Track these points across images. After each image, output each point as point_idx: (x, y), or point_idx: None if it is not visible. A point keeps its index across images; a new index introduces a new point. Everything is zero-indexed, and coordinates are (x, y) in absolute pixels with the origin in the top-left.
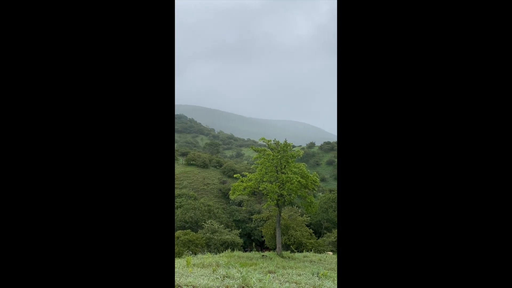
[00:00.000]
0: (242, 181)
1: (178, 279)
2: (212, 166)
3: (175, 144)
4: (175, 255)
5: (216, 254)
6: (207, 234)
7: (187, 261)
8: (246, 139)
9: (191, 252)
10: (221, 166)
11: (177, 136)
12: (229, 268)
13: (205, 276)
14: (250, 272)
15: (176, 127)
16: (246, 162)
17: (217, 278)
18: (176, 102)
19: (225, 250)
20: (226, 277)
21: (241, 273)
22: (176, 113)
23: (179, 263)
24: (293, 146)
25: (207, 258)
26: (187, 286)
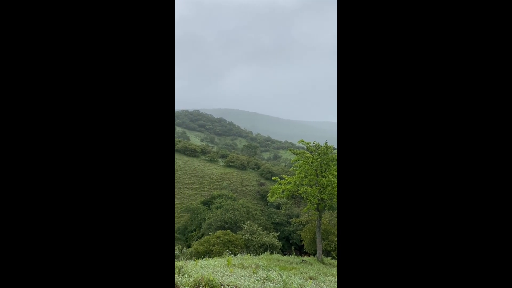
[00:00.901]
0: (280, 184)
1: (220, 278)
2: (250, 168)
3: (215, 147)
4: (215, 254)
5: (255, 255)
6: (246, 235)
7: (228, 261)
8: (283, 141)
9: (230, 252)
10: (258, 168)
11: (217, 139)
12: (268, 270)
13: (246, 277)
14: (291, 276)
15: (216, 130)
16: (283, 164)
17: (257, 280)
18: (216, 107)
19: (264, 252)
20: (267, 279)
21: (281, 277)
22: (216, 116)
23: (220, 262)
24: (334, 149)
25: (247, 259)
26: (229, 285)
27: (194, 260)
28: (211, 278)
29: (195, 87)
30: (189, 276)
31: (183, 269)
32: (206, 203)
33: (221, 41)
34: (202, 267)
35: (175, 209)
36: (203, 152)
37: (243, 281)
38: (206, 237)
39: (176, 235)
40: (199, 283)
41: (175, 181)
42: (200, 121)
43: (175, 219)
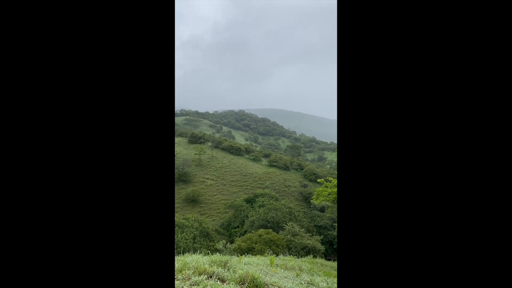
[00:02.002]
0: (326, 187)
1: (263, 277)
2: (293, 169)
3: (259, 146)
4: (257, 252)
5: (297, 257)
6: (288, 236)
7: (270, 261)
8: (329, 143)
9: (272, 251)
10: (302, 169)
11: (260, 138)
12: (312, 275)
13: (289, 279)
14: (336, 284)
15: (260, 129)
16: (329, 166)
17: (301, 283)
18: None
19: (307, 255)
20: (311, 284)
21: (327, 284)
22: (260, 116)
23: (262, 261)
24: None
25: (290, 260)
26: (273, 285)
27: (238, 256)
28: (256, 276)
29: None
30: (234, 272)
31: (228, 264)
32: (249, 201)
33: (267, 41)
34: (245, 264)
35: (220, 204)
36: (247, 151)
37: (286, 283)
38: (248, 234)
39: (220, 230)
40: (244, 280)
41: (221, 177)
42: (245, 121)
43: (220, 214)
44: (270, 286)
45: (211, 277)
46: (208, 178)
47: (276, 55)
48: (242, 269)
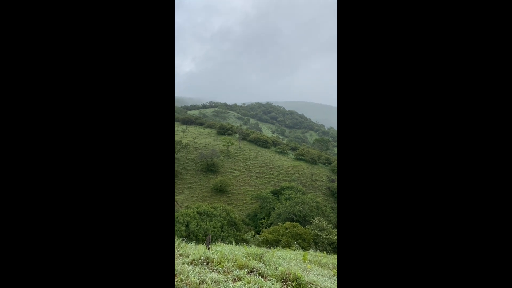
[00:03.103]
0: None
1: (301, 272)
2: (321, 163)
3: (286, 139)
4: (284, 245)
5: (329, 254)
6: (315, 231)
7: (303, 257)
8: None
9: (298, 245)
10: (330, 163)
11: (287, 131)
12: None
13: (326, 278)
14: None
15: (287, 122)
16: None
17: None
18: (288, 99)
19: (334, 251)
20: None
21: None
22: (288, 109)
23: (294, 255)
24: None
25: (323, 257)
26: (312, 284)
27: (270, 249)
28: (298, 275)
29: (269, 80)
30: (276, 268)
31: (263, 258)
32: (275, 193)
33: (297, 33)
34: (278, 258)
35: (247, 195)
36: (274, 143)
37: (325, 282)
38: (275, 226)
39: (246, 220)
40: (286, 277)
41: (248, 169)
42: (272, 113)
43: (246, 205)
44: (311, 285)
45: (251, 271)
46: (235, 169)
47: (305, 46)
48: (281, 265)
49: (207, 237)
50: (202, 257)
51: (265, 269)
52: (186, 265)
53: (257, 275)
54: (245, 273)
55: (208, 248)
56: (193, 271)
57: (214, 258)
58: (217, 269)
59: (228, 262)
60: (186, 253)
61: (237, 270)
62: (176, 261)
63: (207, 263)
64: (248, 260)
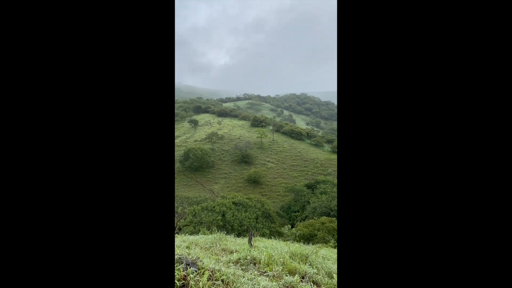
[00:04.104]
0: None
1: None
2: None
3: (321, 131)
4: (319, 240)
5: None
6: None
7: None
8: None
9: (334, 240)
10: None
11: (323, 123)
12: None
13: None
14: None
15: (322, 114)
16: None
17: None
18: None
19: None
20: None
21: None
22: (323, 100)
23: (332, 252)
24: None
25: None
26: None
27: (310, 246)
28: None
29: (304, 70)
30: (329, 276)
31: (309, 259)
32: (310, 187)
33: (334, 20)
34: (323, 258)
35: (281, 187)
36: (308, 136)
37: None
38: (310, 220)
39: (281, 212)
40: None
41: (282, 161)
42: (306, 104)
43: (280, 197)
44: None
45: (303, 277)
46: (269, 161)
47: None
48: (332, 270)
49: (250, 232)
50: (248, 257)
51: (319, 277)
52: (232, 265)
53: (311, 283)
54: (298, 280)
55: (251, 244)
56: (244, 277)
57: (261, 259)
58: (265, 272)
59: (276, 264)
60: (228, 248)
61: (288, 276)
62: (220, 258)
63: (254, 264)
64: (298, 263)
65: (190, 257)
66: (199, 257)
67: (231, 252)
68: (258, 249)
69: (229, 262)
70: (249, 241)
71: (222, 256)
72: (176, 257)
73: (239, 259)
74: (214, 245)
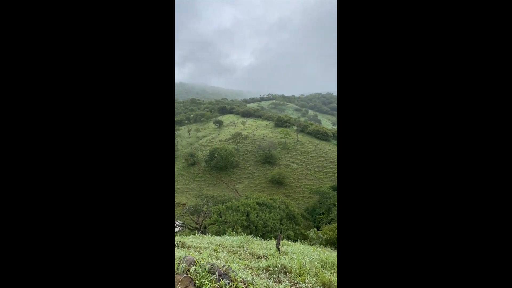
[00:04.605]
0: None
1: None
2: None
3: None
4: None
5: None
6: None
7: None
8: None
9: None
10: None
11: None
12: None
13: None
14: None
15: None
16: None
17: None
18: None
19: None
20: None
21: None
22: None
23: None
24: None
25: None
26: None
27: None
28: None
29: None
30: None
31: None
32: (336, 189)
33: None
34: None
35: (305, 189)
36: (335, 136)
37: None
38: (336, 223)
39: (305, 214)
40: None
41: (306, 162)
42: (332, 104)
43: (304, 199)
44: None
45: None
46: (293, 162)
47: None
48: None
49: (278, 237)
50: (279, 265)
51: None
52: (261, 272)
53: None
54: None
55: (279, 250)
56: None
57: (292, 267)
58: (297, 283)
59: (308, 275)
60: (255, 252)
61: None
62: (248, 263)
63: (285, 273)
64: (331, 273)
65: (220, 263)
66: (230, 266)
67: (259, 257)
68: (288, 256)
69: (258, 269)
70: (277, 246)
71: (251, 261)
72: (207, 266)
73: (269, 266)
74: (241, 248)
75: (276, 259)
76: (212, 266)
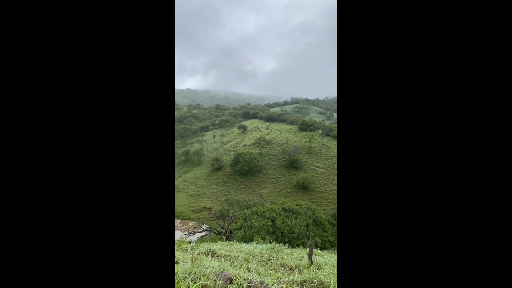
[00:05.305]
0: None
1: None
2: None
3: None
4: None
5: None
6: None
7: None
8: None
9: None
10: None
11: None
12: None
13: None
14: None
15: None
16: None
17: None
18: None
19: None
20: None
21: None
22: None
23: None
24: None
25: None
26: None
27: None
28: None
29: None
30: None
31: None
32: None
33: None
34: None
35: (332, 194)
36: None
37: None
38: None
39: (332, 221)
40: None
41: (332, 167)
42: None
43: (331, 205)
44: None
45: None
46: (318, 167)
47: None
48: None
49: (310, 247)
50: (316, 281)
51: None
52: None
53: None
54: None
55: (311, 261)
56: None
57: (330, 284)
58: None
59: None
60: (286, 262)
61: None
62: (281, 276)
63: None
64: None
65: (253, 276)
66: (267, 284)
67: (291, 269)
68: (323, 270)
69: (293, 283)
70: (309, 257)
71: (283, 273)
72: (245, 284)
73: (304, 281)
74: (272, 258)
75: (311, 273)
76: (250, 285)
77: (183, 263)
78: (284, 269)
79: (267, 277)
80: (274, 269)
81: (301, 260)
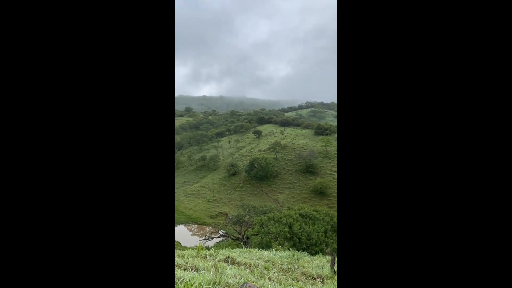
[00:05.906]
0: None
1: None
2: None
3: None
4: None
5: None
6: None
7: None
8: None
9: None
10: None
11: None
12: None
13: None
14: None
15: None
16: None
17: None
18: None
19: None
20: None
21: None
22: None
23: None
24: None
25: None
26: None
27: None
28: None
29: None
30: None
31: None
32: None
33: None
34: None
35: None
36: None
37: None
38: None
39: None
40: None
41: None
42: None
43: None
44: None
45: None
46: (335, 171)
47: None
48: None
49: (332, 256)
50: None
51: None
52: None
53: None
54: None
55: (334, 271)
56: None
57: None
58: None
59: None
60: (307, 271)
61: None
62: (304, 286)
63: None
64: None
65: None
66: None
67: (313, 278)
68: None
69: None
70: (332, 266)
71: (305, 283)
72: None
73: None
74: (292, 266)
75: (335, 283)
76: None
77: (205, 271)
78: (305, 278)
79: (289, 287)
80: (296, 278)
81: (322, 268)
